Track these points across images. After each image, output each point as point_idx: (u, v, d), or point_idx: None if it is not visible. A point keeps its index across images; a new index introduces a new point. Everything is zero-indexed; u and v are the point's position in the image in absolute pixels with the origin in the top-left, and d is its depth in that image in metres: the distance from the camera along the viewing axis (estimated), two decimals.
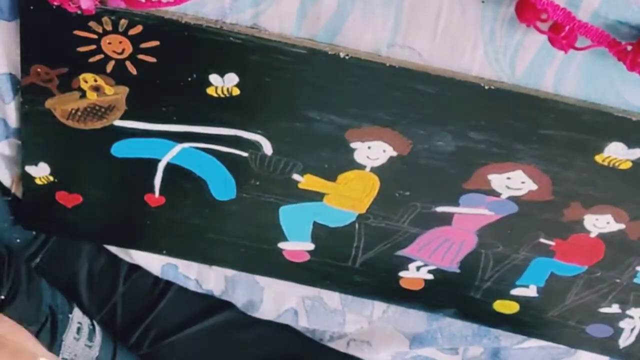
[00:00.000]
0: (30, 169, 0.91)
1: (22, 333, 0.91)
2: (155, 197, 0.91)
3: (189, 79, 0.80)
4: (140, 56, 0.78)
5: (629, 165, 0.81)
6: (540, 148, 0.81)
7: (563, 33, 0.72)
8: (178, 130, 0.84)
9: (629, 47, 0.72)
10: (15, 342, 0.89)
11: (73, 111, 0.84)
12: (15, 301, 0.93)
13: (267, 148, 0.85)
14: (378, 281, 0.98)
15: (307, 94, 0.80)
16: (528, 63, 0.76)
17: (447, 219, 0.89)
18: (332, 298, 1.02)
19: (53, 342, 0.95)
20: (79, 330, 0.98)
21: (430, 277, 0.97)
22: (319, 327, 1.05)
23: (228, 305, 1.04)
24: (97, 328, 1.00)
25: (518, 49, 0.76)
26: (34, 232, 1.01)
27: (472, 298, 0.98)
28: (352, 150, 0.84)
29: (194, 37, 0.76)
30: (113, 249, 1.01)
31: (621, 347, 1.01)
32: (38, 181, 0.92)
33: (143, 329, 1.04)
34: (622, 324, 0.98)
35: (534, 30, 0.72)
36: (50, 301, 0.97)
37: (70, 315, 0.98)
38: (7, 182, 0.94)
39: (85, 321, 1.00)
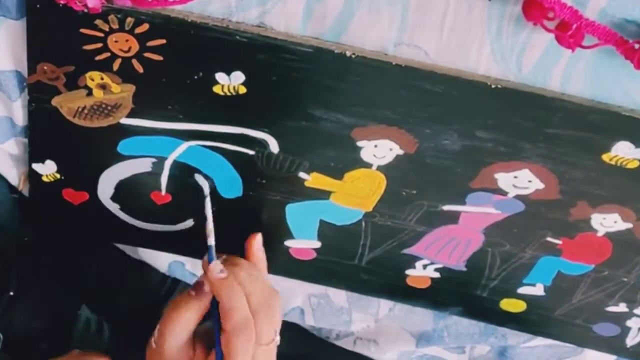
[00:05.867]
0: (37, 167, 0.91)
1: None
2: (162, 194, 0.92)
3: (196, 77, 0.80)
4: (147, 54, 0.78)
5: (636, 164, 0.81)
6: (547, 147, 0.81)
7: (570, 31, 0.71)
8: (184, 128, 0.84)
9: (637, 46, 0.71)
10: None
11: (80, 109, 0.84)
12: (24, 298, 0.93)
13: (274, 146, 0.85)
14: (384, 279, 0.98)
15: (314, 92, 0.80)
16: (535, 62, 0.76)
17: (453, 218, 0.89)
18: (339, 296, 1.02)
19: (62, 338, 0.95)
20: (87, 326, 0.98)
21: (437, 275, 0.97)
22: (325, 326, 1.05)
23: None
24: (105, 324, 1.01)
25: (525, 48, 0.75)
26: (40, 230, 1.01)
27: (478, 296, 0.98)
28: (359, 148, 0.84)
29: (200, 36, 0.76)
30: (120, 246, 1.02)
31: (628, 346, 1.01)
32: (45, 179, 0.92)
33: (150, 325, 1.04)
34: (629, 322, 0.98)
35: (541, 29, 0.72)
36: (59, 297, 0.97)
37: (79, 312, 0.98)
38: (14, 180, 0.95)
39: (93, 317, 1.00)
